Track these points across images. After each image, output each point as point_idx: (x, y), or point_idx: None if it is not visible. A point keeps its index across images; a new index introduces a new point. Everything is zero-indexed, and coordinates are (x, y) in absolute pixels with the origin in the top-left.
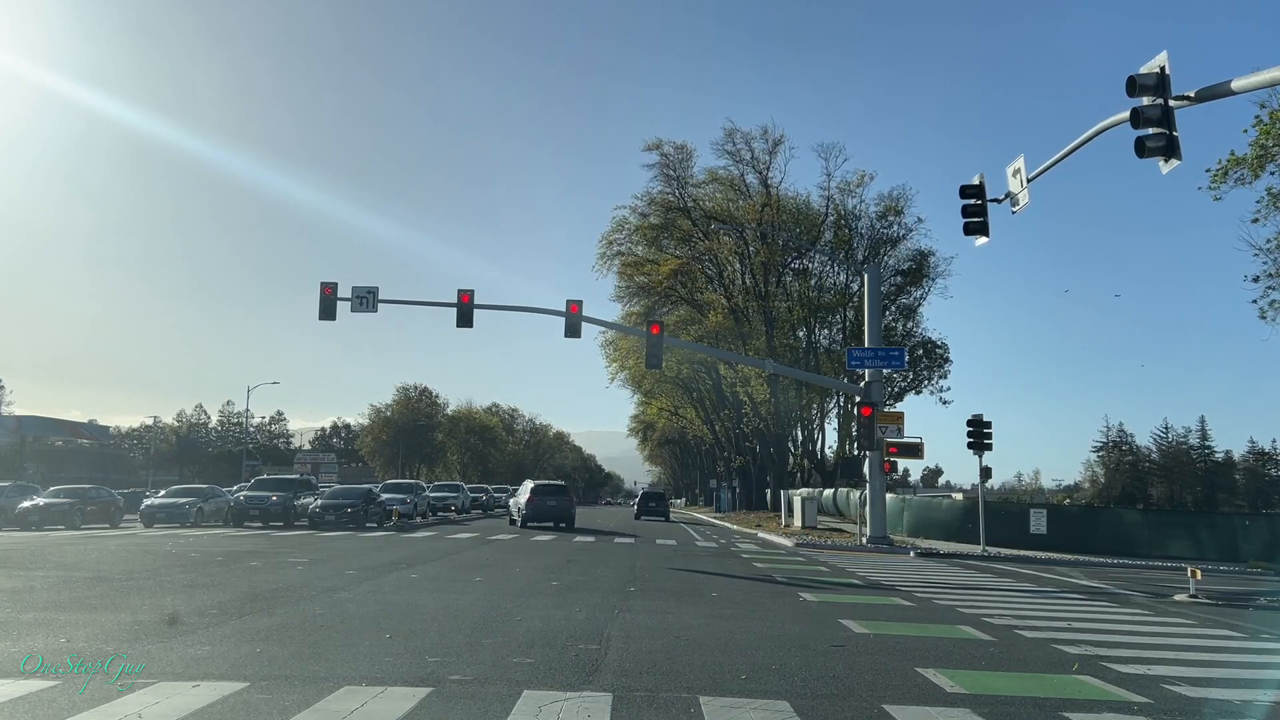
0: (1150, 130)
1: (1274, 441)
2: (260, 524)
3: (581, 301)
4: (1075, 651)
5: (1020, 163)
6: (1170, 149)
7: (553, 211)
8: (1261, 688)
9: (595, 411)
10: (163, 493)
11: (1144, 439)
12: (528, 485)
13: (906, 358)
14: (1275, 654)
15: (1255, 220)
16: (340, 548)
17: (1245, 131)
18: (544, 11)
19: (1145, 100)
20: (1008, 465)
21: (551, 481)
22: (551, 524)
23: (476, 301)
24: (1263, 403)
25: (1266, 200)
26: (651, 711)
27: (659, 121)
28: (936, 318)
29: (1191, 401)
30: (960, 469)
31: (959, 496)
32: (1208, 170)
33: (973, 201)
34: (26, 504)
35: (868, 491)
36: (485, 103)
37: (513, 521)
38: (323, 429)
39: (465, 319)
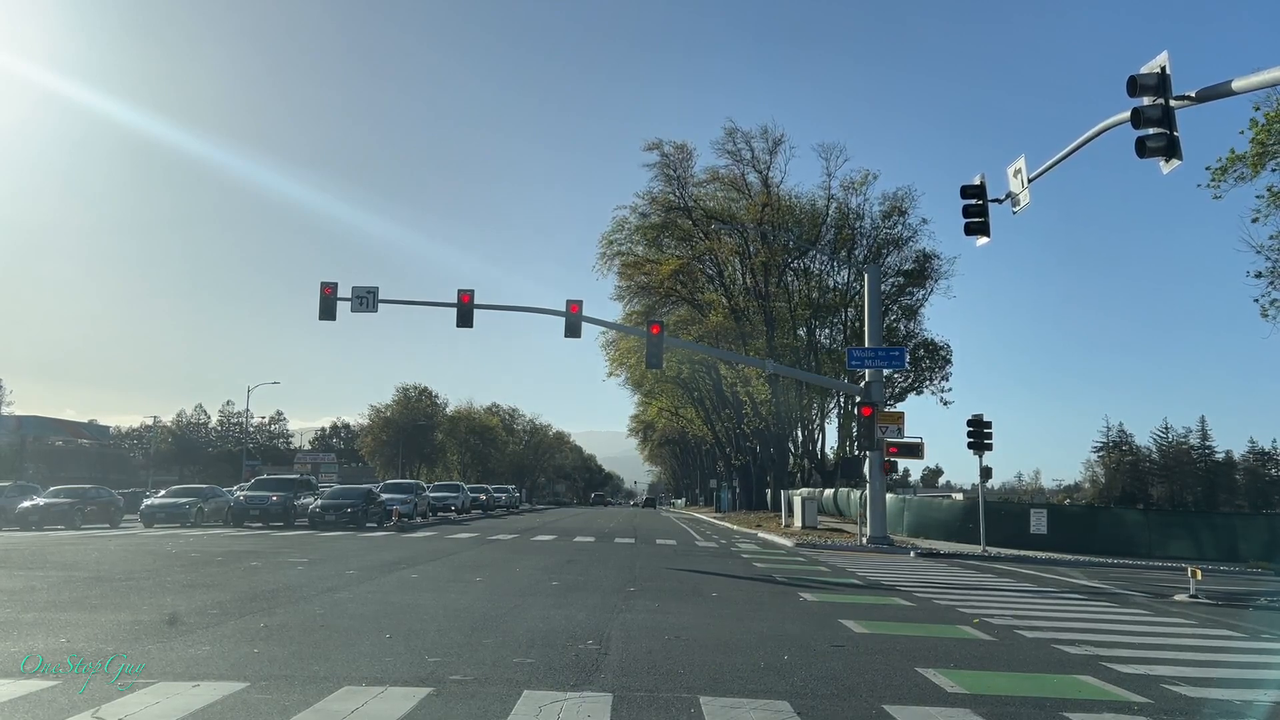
0: (1151, 130)
1: (1274, 441)
2: (260, 524)
3: (582, 301)
4: (1075, 651)
5: (1021, 163)
6: (1171, 149)
7: (553, 211)
8: (1261, 688)
9: (595, 411)
10: (163, 493)
11: (1144, 439)
12: (592, 495)
13: (907, 358)
14: (1275, 654)
15: (1255, 220)
16: (340, 548)
17: (1253, 126)
18: (545, 10)
19: (1146, 100)
20: (1008, 465)
21: (600, 491)
22: (601, 504)
23: (476, 301)
24: (1263, 403)
25: (1267, 198)
26: (651, 711)
27: (660, 120)
28: (937, 318)
29: (1191, 401)
30: (960, 469)
31: (959, 496)
32: (1208, 168)
33: (974, 201)
34: (26, 504)
35: (868, 491)
36: (486, 101)
37: (588, 504)
38: (323, 429)
39: (465, 319)
